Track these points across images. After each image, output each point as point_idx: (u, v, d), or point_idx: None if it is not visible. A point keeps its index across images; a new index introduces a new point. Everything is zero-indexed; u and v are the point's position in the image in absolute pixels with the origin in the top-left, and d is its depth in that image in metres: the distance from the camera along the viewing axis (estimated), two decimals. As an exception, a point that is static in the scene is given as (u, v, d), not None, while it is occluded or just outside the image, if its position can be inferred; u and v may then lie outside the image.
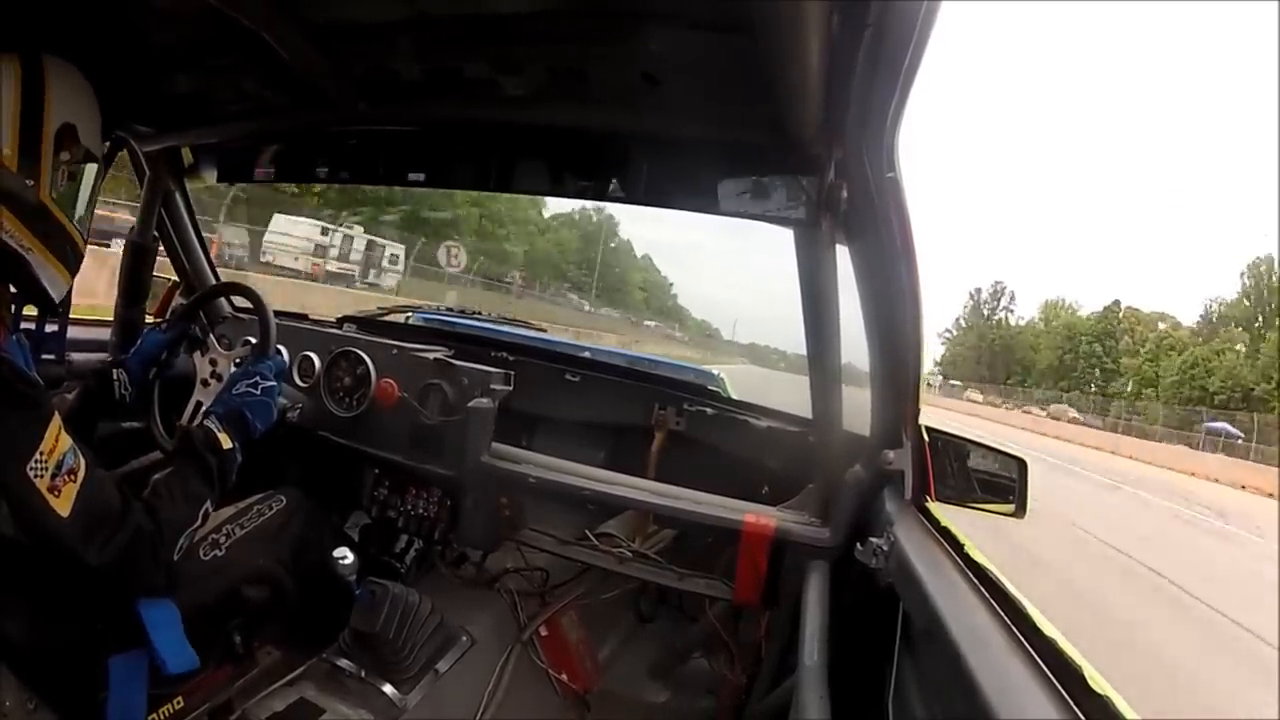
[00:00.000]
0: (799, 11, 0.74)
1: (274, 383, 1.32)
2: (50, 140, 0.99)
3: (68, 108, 1.02)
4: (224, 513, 1.34)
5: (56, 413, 0.95)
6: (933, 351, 66.04)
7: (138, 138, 1.64)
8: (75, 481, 0.94)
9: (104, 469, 1.02)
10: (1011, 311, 66.67)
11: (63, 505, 0.92)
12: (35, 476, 0.90)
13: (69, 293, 1.32)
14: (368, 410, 1.66)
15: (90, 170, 1.08)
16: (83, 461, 0.96)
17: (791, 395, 1.77)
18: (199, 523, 1.12)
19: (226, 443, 1.19)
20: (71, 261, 1.08)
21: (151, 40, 1.24)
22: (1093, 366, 56.44)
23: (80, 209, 1.07)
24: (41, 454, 0.91)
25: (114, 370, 1.42)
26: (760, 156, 1.11)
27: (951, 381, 63.81)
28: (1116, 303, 58.28)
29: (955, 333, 68.37)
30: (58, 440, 0.93)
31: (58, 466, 0.92)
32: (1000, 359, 63.44)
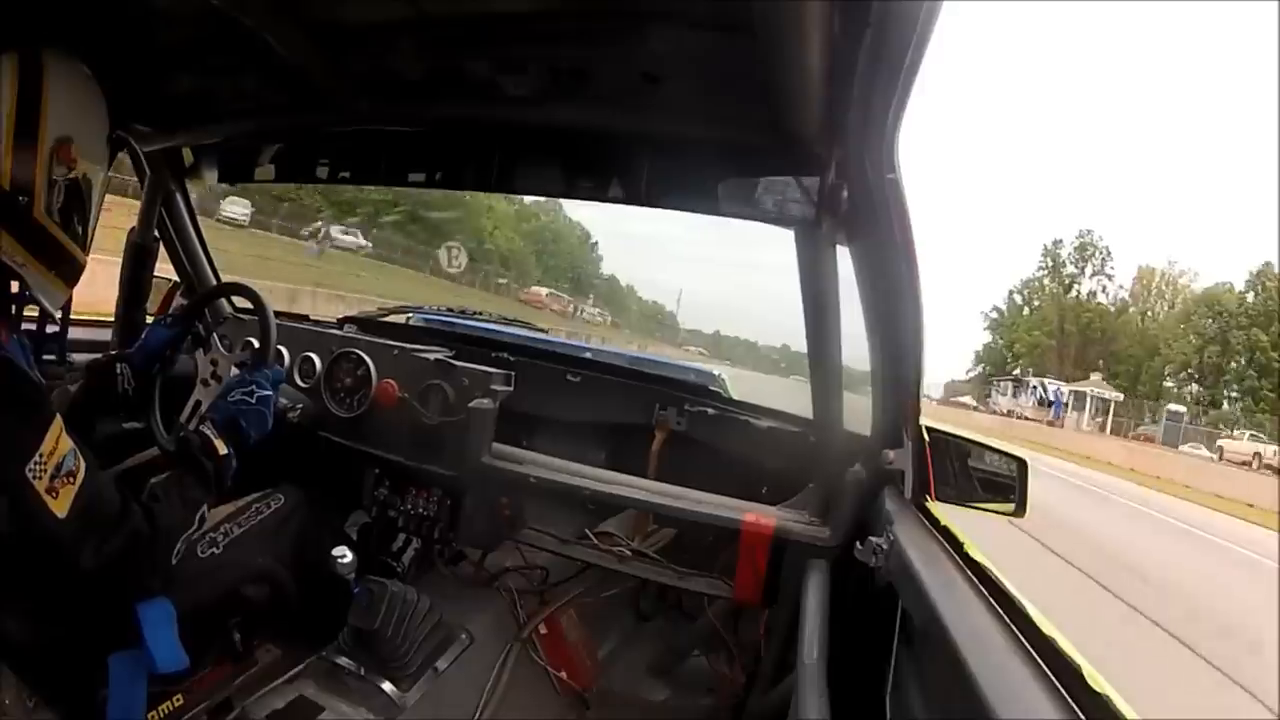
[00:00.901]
0: (799, 11, 0.74)
1: (269, 392, 1.32)
2: (46, 155, 0.98)
3: (66, 119, 1.00)
4: (221, 511, 1.34)
5: (58, 415, 0.95)
6: (970, 340, 51.77)
7: (138, 137, 1.64)
8: (74, 484, 0.94)
9: (104, 469, 1.02)
10: (1109, 278, 42.59)
11: (60, 507, 0.92)
12: (34, 478, 0.90)
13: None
14: (368, 411, 1.67)
15: (90, 180, 1.06)
16: (82, 464, 0.96)
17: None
18: (195, 526, 1.12)
19: (222, 449, 1.20)
20: (69, 275, 1.08)
21: (152, 40, 1.24)
22: (1262, 367, 34.26)
23: (79, 221, 1.06)
24: (41, 455, 0.91)
25: (117, 364, 1.42)
26: (761, 157, 1.11)
27: (1171, 410, 31.62)
28: (1268, 266, 35.39)
29: (1008, 313, 44.74)
30: (58, 442, 0.93)
31: (57, 468, 0.92)
32: (1094, 351, 40.42)
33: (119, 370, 1.41)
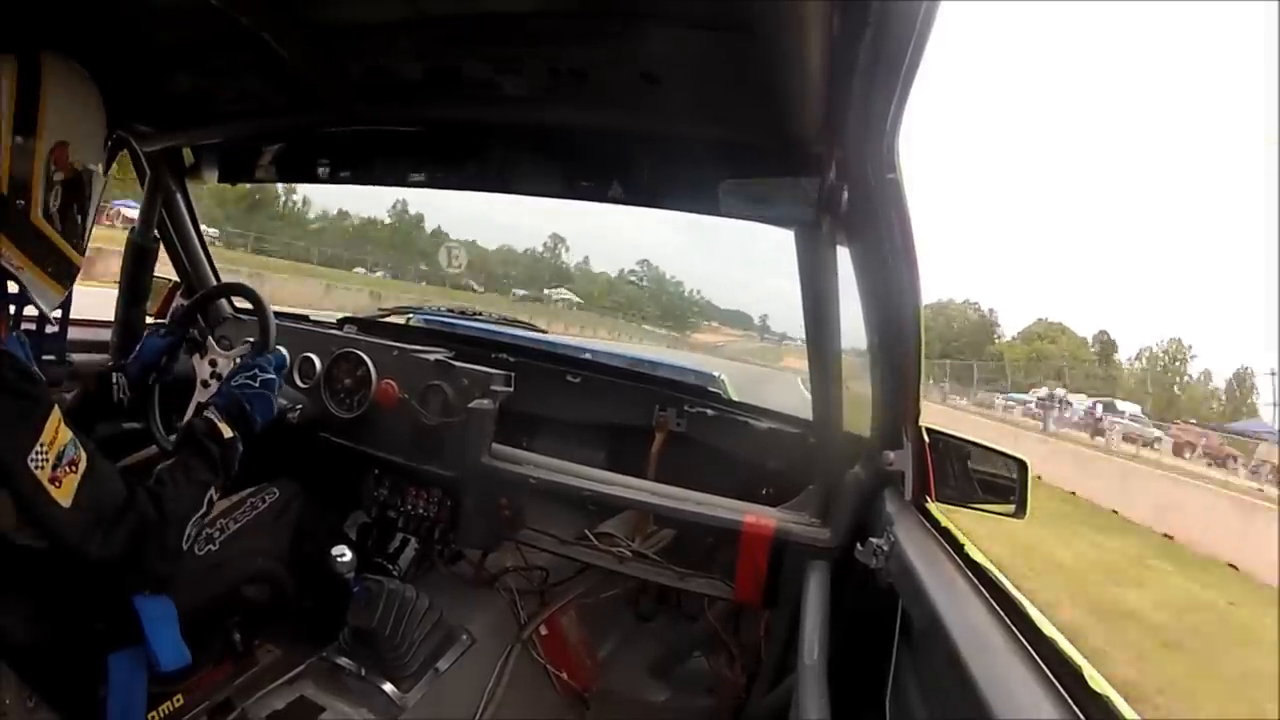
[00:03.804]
0: (799, 11, 0.74)
1: (273, 376, 1.31)
2: (44, 159, 0.99)
3: (64, 122, 1.01)
4: (218, 506, 1.34)
5: (57, 406, 0.95)
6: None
7: (138, 137, 1.65)
8: (76, 473, 0.94)
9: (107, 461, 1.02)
10: None
11: (64, 496, 0.92)
12: (36, 468, 0.90)
13: (70, 295, 1.32)
14: (368, 411, 1.67)
15: (88, 182, 1.07)
16: (84, 453, 0.96)
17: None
18: (205, 509, 1.11)
19: (227, 432, 1.19)
20: (65, 278, 1.08)
21: (152, 40, 1.24)
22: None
23: (76, 224, 1.07)
24: (42, 445, 0.91)
25: (113, 374, 1.42)
26: (761, 157, 1.11)
27: None
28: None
29: None
30: (58, 432, 0.94)
31: (58, 458, 0.92)
32: None
33: (115, 380, 1.41)
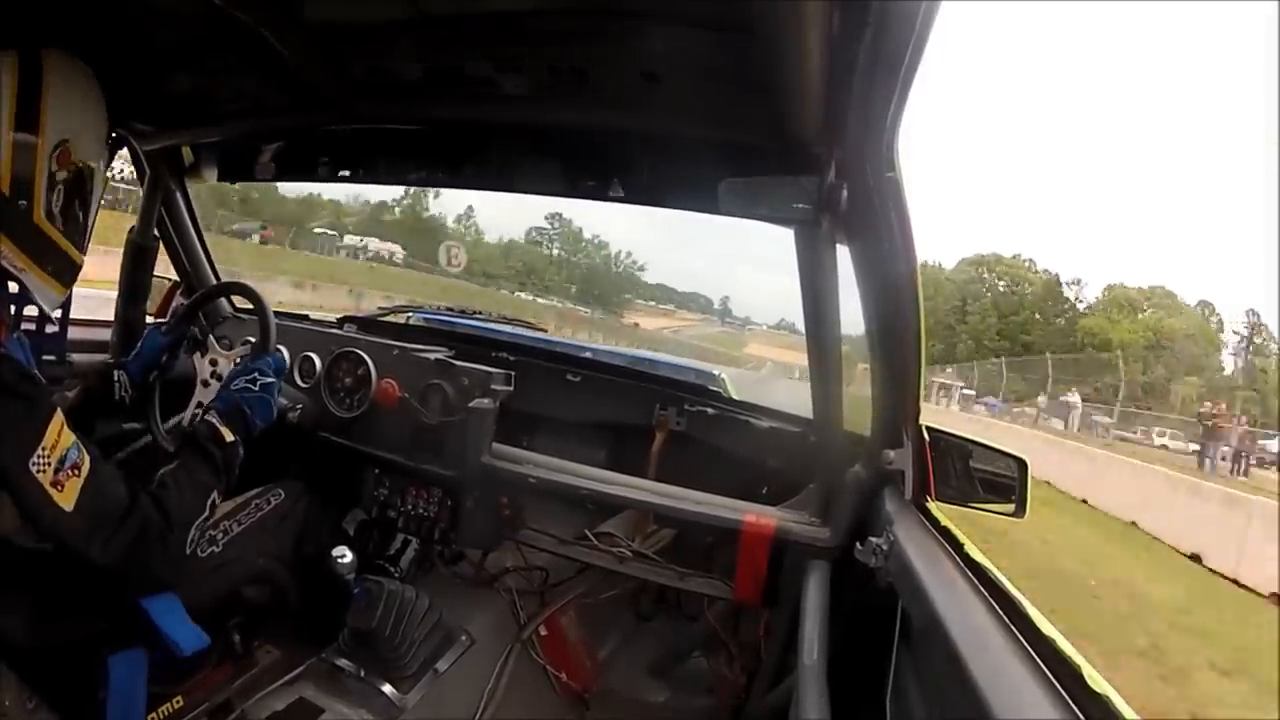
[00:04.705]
0: (799, 11, 0.74)
1: (272, 379, 1.31)
2: (46, 157, 0.99)
3: (66, 120, 1.01)
4: (222, 508, 1.34)
5: (59, 409, 0.95)
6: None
7: (138, 136, 1.64)
8: (79, 476, 0.94)
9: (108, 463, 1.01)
10: None
11: (66, 500, 0.92)
12: (38, 471, 0.90)
13: (70, 293, 1.32)
14: (368, 410, 1.67)
15: (90, 181, 1.07)
16: (87, 457, 0.96)
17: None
18: (207, 513, 1.11)
19: (229, 435, 1.19)
20: (66, 277, 1.08)
21: (152, 38, 1.24)
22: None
23: (78, 223, 1.07)
24: (44, 449, 0.91)
25: (114, 372, 1.42)
26: (760, 156, 1.11)
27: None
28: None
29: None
30: (60, 436, 0.93)
31: (60, 461, 0.92)
32: None
33: (116, 378, 1.40)
